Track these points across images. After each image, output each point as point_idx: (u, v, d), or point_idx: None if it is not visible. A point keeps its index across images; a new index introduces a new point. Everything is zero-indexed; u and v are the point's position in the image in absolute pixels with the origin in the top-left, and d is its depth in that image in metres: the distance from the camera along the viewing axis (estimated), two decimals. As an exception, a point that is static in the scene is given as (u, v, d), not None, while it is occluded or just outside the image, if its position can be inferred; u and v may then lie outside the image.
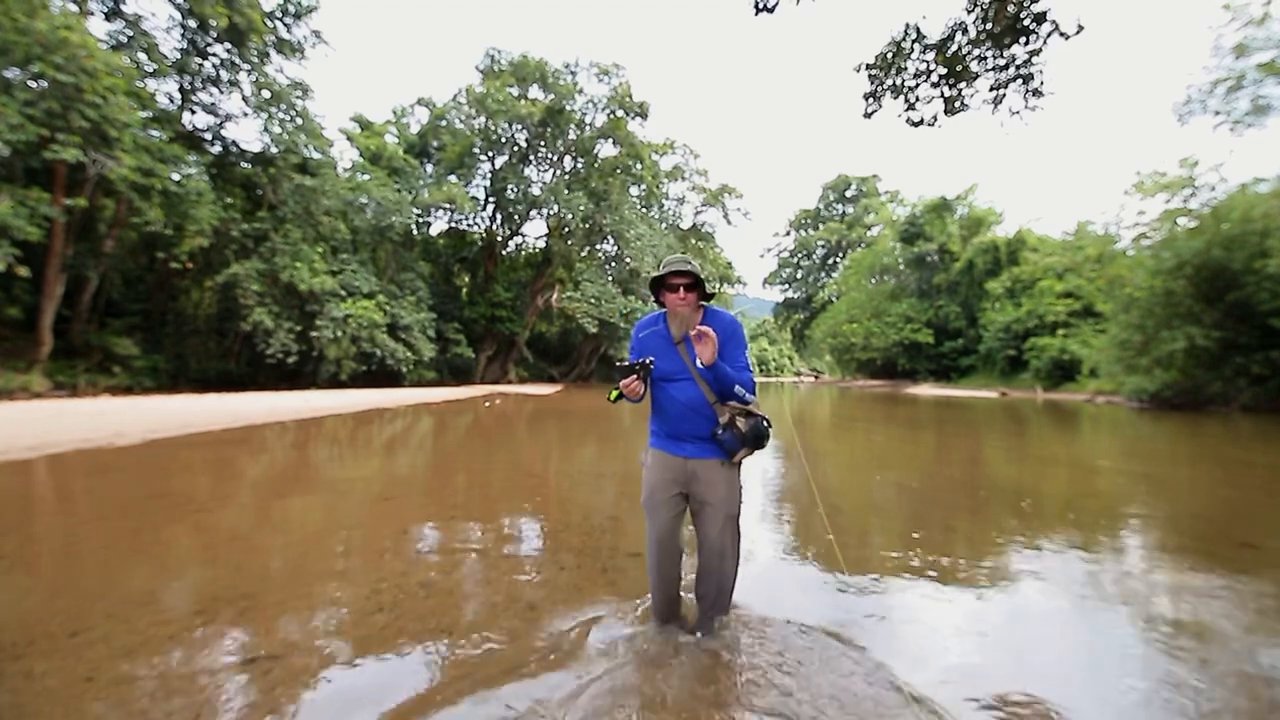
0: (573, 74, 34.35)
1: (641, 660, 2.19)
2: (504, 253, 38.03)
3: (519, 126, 33.62)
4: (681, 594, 2.49)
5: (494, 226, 36.41)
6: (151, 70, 18.82)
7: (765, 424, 2.27)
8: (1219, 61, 18.70)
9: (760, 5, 7.28)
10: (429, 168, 33.99)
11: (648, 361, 2.23)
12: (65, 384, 16.84)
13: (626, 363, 2.26)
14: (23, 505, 4.91)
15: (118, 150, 15.34)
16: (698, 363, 2.23)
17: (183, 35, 19.78)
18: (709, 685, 2.03)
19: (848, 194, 67.69)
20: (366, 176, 27.02)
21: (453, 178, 33.03)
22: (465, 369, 31.77)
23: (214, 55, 20.48)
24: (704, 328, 2.15)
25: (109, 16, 18.49)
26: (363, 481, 6.07)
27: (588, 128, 35.15)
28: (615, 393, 2.28)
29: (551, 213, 34.87)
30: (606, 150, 36.22)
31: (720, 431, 2.26)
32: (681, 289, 2.32)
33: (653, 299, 2.44)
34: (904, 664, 2.22)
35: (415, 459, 7.97)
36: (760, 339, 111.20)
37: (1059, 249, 33.45)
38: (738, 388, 2.25)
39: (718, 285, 43.02)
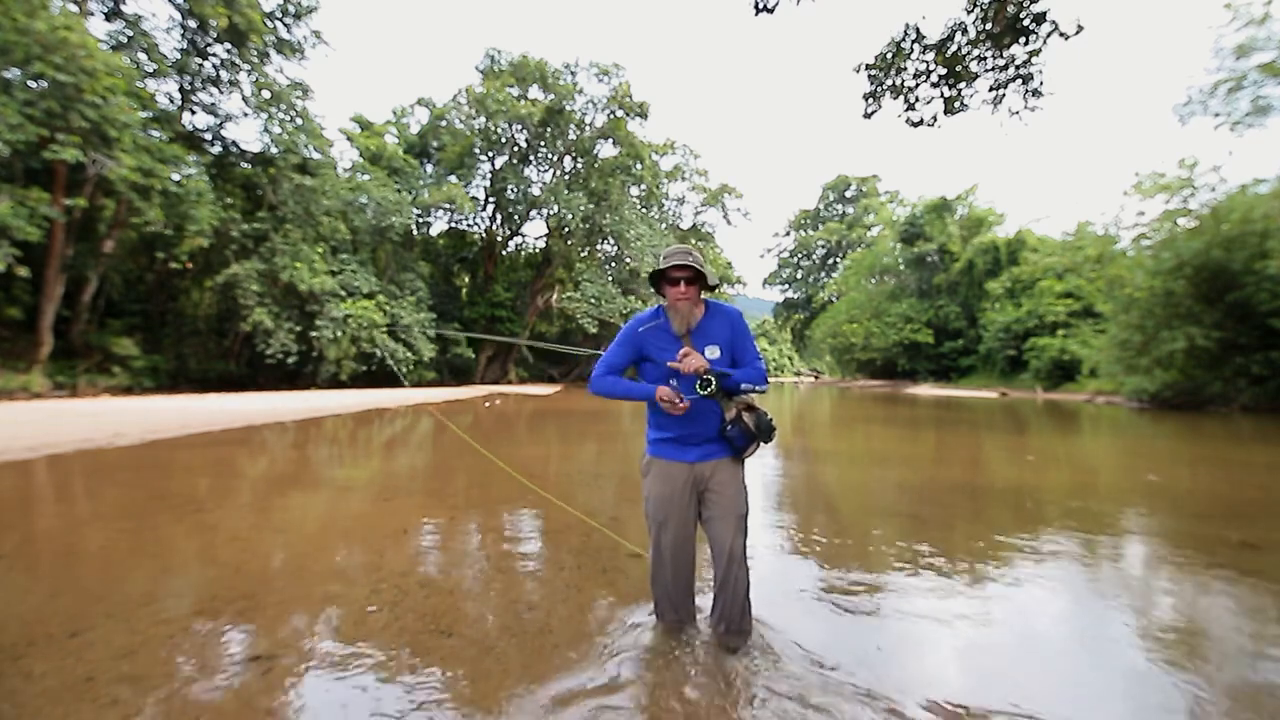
0: (572, 74, 34.32)
1: (647, 668, 2.18)
2: (504, 253, 38.01)
3: (519, 127, 33.61)
4: (694, 600, 2.45)
5: (494, 227, 36.40)
6: (151, 70, 18.83)
7: (768, 416, 2.26)
8: (1220, 62, 18.72)
9: (760, 5, 7.27)
10: (429, 168, 33.97)
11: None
12: (65, 384, 16.84)
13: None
14: (22, 505, 4.91)
15: (117, 150, 15.33)
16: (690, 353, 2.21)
17: (183, 35, 19.79)
18: (716, 699, 2.03)
19: (847, 194, 67.74)
20: (366, 177, 27.00)
21: (453, 178, 33.01)
22: (465, 369, 31.76)
23: (214, 55, 20.48)
24: (685, 353, 2.16)
25: (109, 16, 18.51)
26: (362, 481, 6.07)
27: (587, 128, 35.11)
28: (686, 399, 2.18)
29: (551, 213, 34.85)
30: (606, 150, 36.19)
31: (729, 428, 2.22)
32: (683, 283, 2.25)
33: (654, 293, 2.39)
34: (902, 671, 2.22)
35: (415, 459, 7.97)
36: (760, 339, 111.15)
37: (1059, 249, 33.38)
38: (744, 384, 2.24)
39: (718, 284, 42.87)
